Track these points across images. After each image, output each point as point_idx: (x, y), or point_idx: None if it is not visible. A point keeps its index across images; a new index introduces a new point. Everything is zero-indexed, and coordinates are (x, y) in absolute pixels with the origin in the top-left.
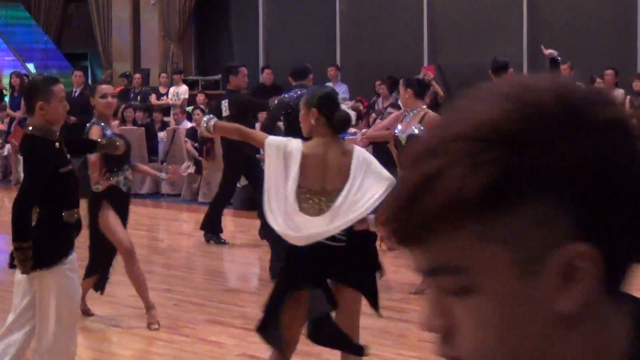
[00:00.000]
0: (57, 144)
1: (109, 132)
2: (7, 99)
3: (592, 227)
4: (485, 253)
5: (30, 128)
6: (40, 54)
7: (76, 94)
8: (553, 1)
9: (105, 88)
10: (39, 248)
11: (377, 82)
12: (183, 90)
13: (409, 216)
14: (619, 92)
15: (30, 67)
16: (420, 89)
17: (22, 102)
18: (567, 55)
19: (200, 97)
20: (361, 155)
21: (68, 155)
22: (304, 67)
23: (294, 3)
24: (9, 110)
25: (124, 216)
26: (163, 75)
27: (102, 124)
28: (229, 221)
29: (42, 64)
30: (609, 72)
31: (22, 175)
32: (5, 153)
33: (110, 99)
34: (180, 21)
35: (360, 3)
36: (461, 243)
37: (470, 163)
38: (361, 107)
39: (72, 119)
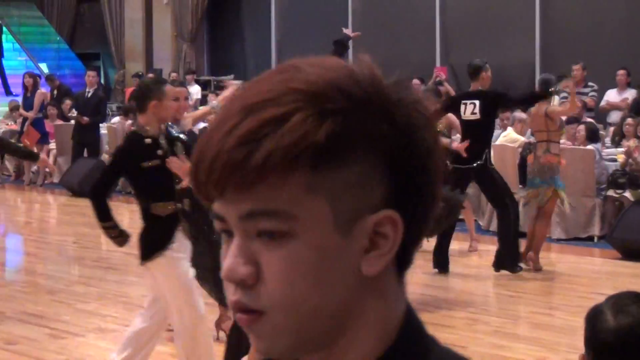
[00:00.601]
0: (147, 139)
1: (173, 131)
2: (20, 98)
3: (399, 195)
4: (310, 203)
5: (134, 128)
6: (53, 54)
7: (89, 94)
8: (565, 1)
9: (178, 91)
10: (142, 241)
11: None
12: (196, 90)
13: (241, 161)
14: (631, 92)
15: (43, 67)
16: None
17: (35, 102)
18: (579, 55)
19: (213, 98)
20: None
21: (159, 151)
22: None
23: (306, 3)
24: (22, 111)
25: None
26: (173, 74)
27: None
28: None
29: (55, 64)
30: (621, 72)
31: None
32: None
33: (183, 102)
34: (192, 21)
35: (373, 3)
36: (291, 190)
37: (318, 110)
38: None
39: (85, 119)
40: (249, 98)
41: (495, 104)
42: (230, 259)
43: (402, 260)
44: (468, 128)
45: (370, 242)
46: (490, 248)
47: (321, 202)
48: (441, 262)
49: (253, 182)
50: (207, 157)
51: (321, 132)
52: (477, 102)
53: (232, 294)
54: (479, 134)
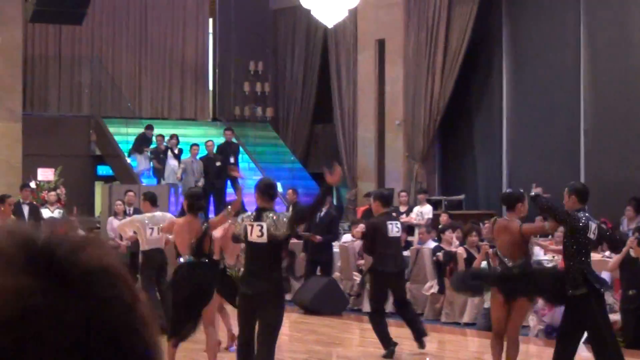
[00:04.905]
0: None
1: None
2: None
3: None
4: None
5: None
6: (287, 173)
7: (322, 213)
8: None
9: None
10: None
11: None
12: (427, 210)
13: None
14: None
15: (278, 186)
16: None
17: None
18: None
19: (444, 217)
20: None
21: None
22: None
23: (537, 123)
24: None
25: None
26: (403, 194)
27: None
28: (473, 342)
29: (289, 184)
30: None
31: None
32: None
33: None
34: (424, 141)
35: (606, 122)
36: None
37: None
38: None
39: (318, 238)
40: None
41: None
42: None
43: None
44: None
45: None
46: None
47: None
48: None
49: None
50: None
51: None
52: None
53: None
54: None
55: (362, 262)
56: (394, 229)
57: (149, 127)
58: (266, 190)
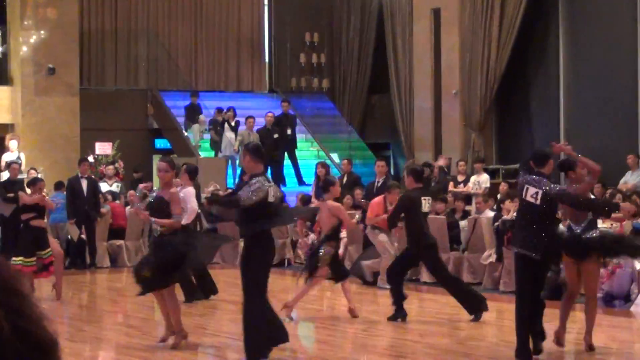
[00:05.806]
0: None
1: None
2: (311, 188)
3: None
4: None
5: None
6: (344, 144)
7: (379, 184)
8: None
9: None
10: None
11: None
12: (484, 179)
13: None
14: None
15: (334, 157)
16: None
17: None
18: None
19: (504, 186)
20: None
21: None
22: (544, 153)
23: (594, 90)
24: (314, 200)
25: None
26: (461, 163)
27: None
28: None
29: (346, 154)
30: None
31: None
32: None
33: None
34: (481, 110)
35: None
36: None
37: None
38: None
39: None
40: None
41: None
42: None
43: None
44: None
45: None
46: None
47: None
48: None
49: None
50: None
51: None
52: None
53: None
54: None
55: None
56: (426, 205)
57: (194, 94)
58: (260, 154)
